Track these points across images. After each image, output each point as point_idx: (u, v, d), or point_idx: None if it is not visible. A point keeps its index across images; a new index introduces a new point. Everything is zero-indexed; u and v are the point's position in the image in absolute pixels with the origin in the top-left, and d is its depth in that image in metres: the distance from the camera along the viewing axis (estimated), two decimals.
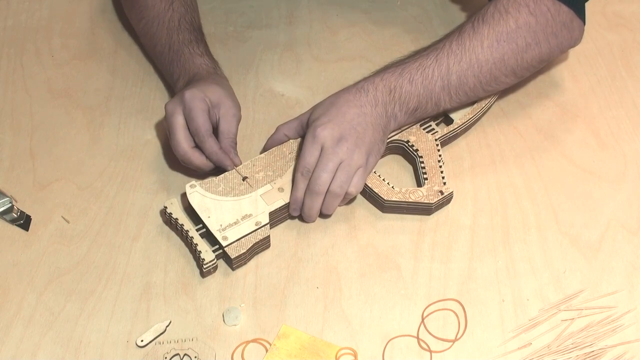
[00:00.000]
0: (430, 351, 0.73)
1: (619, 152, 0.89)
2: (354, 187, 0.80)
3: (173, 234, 0.82)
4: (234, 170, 0.83)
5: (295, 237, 0.82)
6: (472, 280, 0.78)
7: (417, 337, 0.74)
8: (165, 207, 0.81)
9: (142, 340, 0.73)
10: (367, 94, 0.82)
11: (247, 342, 0.74)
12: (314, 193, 0.79)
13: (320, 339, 0.74)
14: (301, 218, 0.83)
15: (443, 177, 0.83)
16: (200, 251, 0.78)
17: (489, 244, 0.81)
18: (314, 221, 0.83)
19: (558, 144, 0.90)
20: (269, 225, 0.80)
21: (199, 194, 0.81)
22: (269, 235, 0.80)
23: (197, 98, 0.82)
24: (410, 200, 0.82)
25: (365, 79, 0.84)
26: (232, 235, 0.78)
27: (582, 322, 0.75)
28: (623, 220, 0.83)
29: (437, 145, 0.86)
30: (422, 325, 0.75)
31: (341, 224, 0.83)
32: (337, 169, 0.79)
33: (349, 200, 0.83)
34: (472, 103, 0.89)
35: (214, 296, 0.77)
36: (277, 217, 0.82)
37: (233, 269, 0.79)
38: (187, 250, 0.81)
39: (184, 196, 0.83)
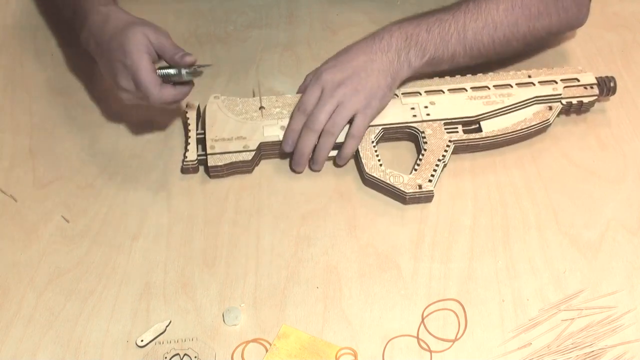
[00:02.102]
0: (430, 351, 0.73)
1: (619, 152, 0.89)
2: (356, 129, 0.84)
3: (173, 233, 0.82)
4: (258, 97, 0.89)
5: (295, 237, 0.82)
6: (472, 280, 0.78)
7: (417, 337, 0.74)
8: (186, 109, 0.89)
9: (142, 340, 0.73)
10: (381, 41, 0.86)
11: (247, 342, 0.74)
12: (309, 130, 0.84)
13: (320, 339, 0.74)
14: (295, 165, 0.87)
15: (432, 175, 0.84)
16: (188, 149, 0.86)
17: (489, 244, 0.81)
18: (303, 166, 0.86)
19: (558, 144, 0.90)
20: (254, 152, 0.85)
21: (217, 105, 0.89)
22: (250, 161, 0.85)
23: (153, 28, 0.82)
24: (388, 182, 0.83)
25: (383, 27, 0.88)
26: (219, 147, 0.85)
27: (582, 322, 0.75)
28: (623, 220, 0.83)
29: (448, 146, 0.86)
30: (422, 325, 0.75)
31: (341, 224, 0.83)
32: (334, 111, 0.83)
33: (353, 147, 0.85)
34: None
35: (214, 296, 0.77)
36: (268, 151, 0.87)
37: (210, 177, 0.86)
38: (187, 250, 0.81)
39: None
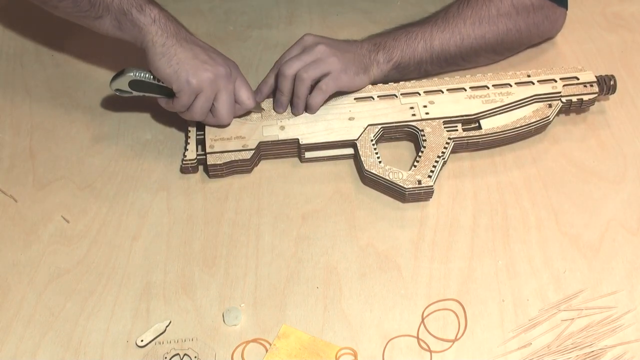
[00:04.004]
0: (430, 351, 0.73)
1: (619, 152, 0.89)
2: (324, 84, 0.85)
3: (173, 233, 0.82)
4: (261, 106, 0.90)
5: (295, 237, 0.82)
6: (472, 280, 0.78)
7: (417, 337, 0.74)
8: None
9: (142, 340, 0.74)
10: (354, 42, 0.90)
11: (247, 342, 0.74)
12: (281, 75, 0.86)
13: (320, 339, 0.74)
14: (276, 106, 0.89)
15: (431, 171, 0.84)
16: (187, 149, 0.86)
17: (489, 244, 0.81)
18: (284, 108, 0.88)
19: (558, 144, 0.90)
20: (253, 151, 0.86)
21: None
22: (249, 160, 0.86)
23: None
24: (387, 178, 0.83)
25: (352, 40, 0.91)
26: (218, 146, 0.86)
27: (582, 322, 0.75)
28: (623, 220, 0.83)
29: (448, 143, 0.86)
30: (422, 325, 0.75)
31: (341, 224, 0.83)
32: (310, 63, 0.85)
33: (320, 99, 0.87)
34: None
35: (214, 296, 0.77)
36: (267, 151, 0.88)
37: (210, 177, 0.87)
38: (187, 250, 0.81)
39: None
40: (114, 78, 0.85)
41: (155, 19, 0.82)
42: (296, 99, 0.87)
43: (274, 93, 0.89)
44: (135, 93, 0.85)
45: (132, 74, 0.83)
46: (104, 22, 0.84)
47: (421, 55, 0.90)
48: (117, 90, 0.85)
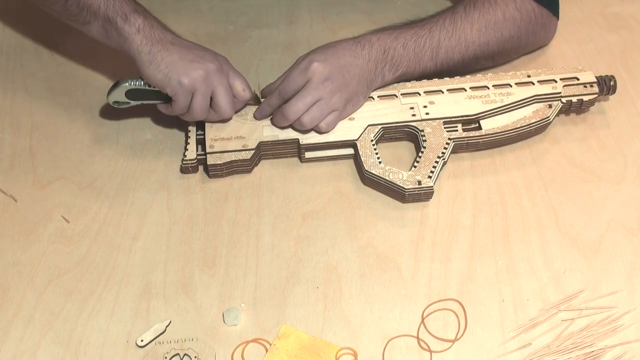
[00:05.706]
0: (430, 351, 0.73)
1: (619, 152, 0.89)
2: (325, 124, 0.86)
3: (173, 233, 0.82)
4: (260, 99, 0.90)
5: (295, 237, 0.82)
6: (472, 280, 0.78)
7: (417, 337, 0.74)
8: None
9: (142, 340, 0.74)
10: (363, 48, 0.87)
11: (247, 342, 0.74)
12: (284, 117, 0.85)
13: (320, 339, 0.74)
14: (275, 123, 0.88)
15: (432, 172, 0.84)
16: (187, 149, 0.86)
17: (489, 244, 0.81)
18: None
19: (558, 144, 0.90)
20: (253, 151, 0.86)
21: None
22: (249, 160, 0.86)
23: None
24: (388, 178, 0.83)
25: (362, 35, 0.89)
26: (218, 146, 0.86)
27: (582, 322, 0.75)
28: (623, 220, 0.83)
29: (448, 143, 0.86)
30: (422, 325, 0.75)
31: (341, 224, 0.83)
32: (313, 104, 0.84)
33: (317, 137, 0.87)
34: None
35: (214, 296, 0.77)
36: (267, 151, 0.88)
37: (210, 177, 0.87)
38: (187, 250, 0.81)
39: None
40: (110, 91, 0.85)
41: (139, 29, 0.82)
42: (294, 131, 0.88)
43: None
44: (133, 102, 0.85)
45: (127, 84, 0.84)
46: (92, 28, 0.85)
47: (426, 64, 0.89)
48: (115, 102, 0.86)
